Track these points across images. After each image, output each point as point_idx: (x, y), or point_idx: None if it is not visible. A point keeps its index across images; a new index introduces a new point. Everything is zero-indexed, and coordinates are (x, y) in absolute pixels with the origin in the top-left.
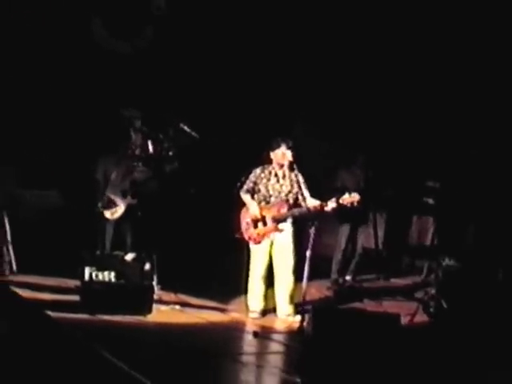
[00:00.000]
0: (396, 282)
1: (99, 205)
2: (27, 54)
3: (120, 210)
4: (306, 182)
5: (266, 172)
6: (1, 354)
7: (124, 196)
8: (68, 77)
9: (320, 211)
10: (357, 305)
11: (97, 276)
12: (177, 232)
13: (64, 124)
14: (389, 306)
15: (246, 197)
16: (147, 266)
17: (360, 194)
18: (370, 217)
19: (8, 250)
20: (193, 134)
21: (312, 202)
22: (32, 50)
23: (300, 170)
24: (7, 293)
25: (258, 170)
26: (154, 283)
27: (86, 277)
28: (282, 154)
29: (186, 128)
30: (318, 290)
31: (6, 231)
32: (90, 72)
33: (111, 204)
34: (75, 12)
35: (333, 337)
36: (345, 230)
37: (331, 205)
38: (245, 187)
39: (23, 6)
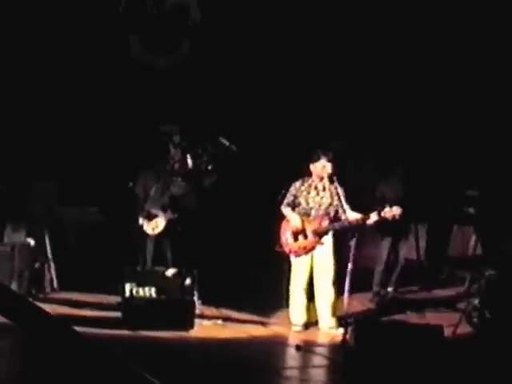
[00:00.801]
0: (438, 292)
1: (140, 220)
2: (68, 72)
3: (160, 225)
4: (346, 194)
5: (306, 185)
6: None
7: (164, 211)
8: (107, 93)
9: (361, 224)
10: (399, 316)
11: (137, 292)
12: (217, 246)
13: (104, 140)
14: (432, 317)
15: (286, 210)
16: (188, 281)
17: (400, 206)
18: (411, 228)
19: (49, 267)
20: (231, 147)
21: (352, 215)
22: (72, 67)
23: (340, 183)
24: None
25: (297, 183)
26: (195, 298)
27: (127, 293)
28: (322, 167)
29: (224, 141)
30: (360, 302)
31: (46, 249)
32: (128, 88)
33: (151, 219)
34: (113, 30)
35: (375, 349)
36: (386, 242)
37: (373, 218)
38: (285, 201)
39: (62, 24)
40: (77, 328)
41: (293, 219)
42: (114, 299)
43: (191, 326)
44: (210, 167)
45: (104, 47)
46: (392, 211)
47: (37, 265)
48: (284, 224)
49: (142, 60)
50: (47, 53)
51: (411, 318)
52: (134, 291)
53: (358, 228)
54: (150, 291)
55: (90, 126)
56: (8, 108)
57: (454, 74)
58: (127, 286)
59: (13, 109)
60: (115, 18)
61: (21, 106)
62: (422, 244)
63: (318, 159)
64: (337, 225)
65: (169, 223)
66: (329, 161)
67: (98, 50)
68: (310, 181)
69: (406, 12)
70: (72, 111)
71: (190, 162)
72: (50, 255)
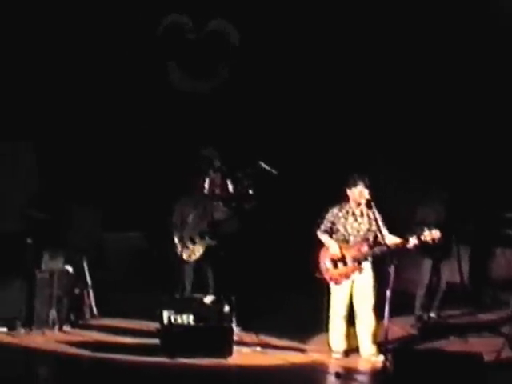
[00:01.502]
0: (482, 317)
1: (177, 247)
2: (109, 98)
3: (197, 252)
4: (387, 217)
5: (344, 211)
6: None
7: (202, 237)
8: (147, 119)
9: (401, 248)
10: (441, 342)
11: (176, 319)
12: (256, 272)
13: (146, 165)
14: (475, 342)
15: (324, 237)
16: (226, 308)
17: (441, 229)
18: (454, 251)
19: (88, 293)
20: (271, 171)
21: (392, 239)
22: (112, 95)
23: (378, 207)
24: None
25: (335, 210)
26: (234, 325)
27: (165, 320)
28: (359, 193)
29: (264, 166)
30: (401, 328)
31: (85, 275)
32: (168, 113)
33: (188, 246)
34: (152, 57)
35: (414, 377)
36: (428, 265)
37: (412, 241)
38: (322, 227)
39: (104, 53)
40: (116, 355)
41: (331, 246)
42: (154, 325)
43: (230, 353)
44: (250, 191)
45: (143, 73)
46: (432, 234)
47: (76, 291)
48: (323, 251)
49: (181, 85)
50: (90, 80)
51: (453, 343)
52: (172, 318)
53: (398, 252)
54: (188, 318)
55: (132, 151)
56: (51, 136)
57: (500, 104)
58: (165, 314)
59: (56, 137)
60: (154, 45)
61: (62, 135)
62: (465, 267)
63: (355, 185)
64: (377, 250)
65: (208, 249)
66: (366, 186)
67: (137, 76)
68: (347, 207)
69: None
70: (114, 137)
71: (230, 186)
72: (89, 281)
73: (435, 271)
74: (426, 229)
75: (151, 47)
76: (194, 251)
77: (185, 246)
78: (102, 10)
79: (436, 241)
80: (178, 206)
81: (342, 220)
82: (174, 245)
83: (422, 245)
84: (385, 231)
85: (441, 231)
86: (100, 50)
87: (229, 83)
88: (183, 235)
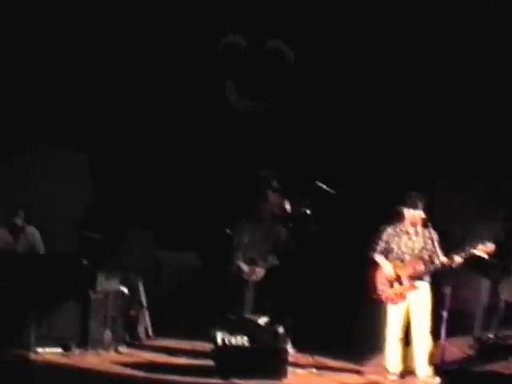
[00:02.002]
0: None
1: (241, 266)
2: (167, 116)
3: (259, 273)
4: (445, 235)
5: (398, 230)
6: None
7: (266, 258)
8: (205, 139)
9: (457, 266)
10: (501, 364)
11: (229, 340)
12: (312, 293)
13: (203, 186)
14: None
15: (379, 258)
16: (281, 329)
17: (500, 248)
18: None
19: (143, 314)
20: (329, 190)
21: (444, 260)
22: (170, 113)
23: (434, 227)
24: None
25: (389, 229)
26: (289, 346)
27: (219, 341)
28: (419, 215)
29: (322, 185)
30: (459, 349)
31: (140, 296)
32: (226, 133)
33: (251, 265)
34: (209, 77)
35: None
36: (486, 285)
37: (465, 256)
38: (378, 248)
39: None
40: (170, 376)
41: (386, 268)
42: (209, 346)
43: (284, 374)
44: (308, 211)
45: (202, 93)
46: (485, 247)
47: (131, 312)
48: (379, 272)
49: (238, 105)
50: (148, 99)
51: None
52: (226, 340)
53: (455, 272)
54: (242, 340)
55: (190, 170)
56: (105, 152)
57: None
58: (219, 335)
59: (110, 154)
60: (212, 65)
61: (116, 152)
62: None
63: (414, 206)
64: (432, 267)
65: (270, 270)
66: (423, 207)
67: (196, 95)
68: (401, 226)
69: None
70: (171, 156)
71: (288, 206)
72: (144, 302)
73: (493, 291)
74: (479, 242)
75: (209, 66)
76: (256, 272)
77: (248, 266)
78: (167, 27)
79: (490, 254)
80: (240, 225)
81: (396, 239)
82: (235, 265)
83: (478, 259)
84: (439, 252)
85: (499, 250)
86: (157, 70)
87: (285, 102)
88: (246, 255)
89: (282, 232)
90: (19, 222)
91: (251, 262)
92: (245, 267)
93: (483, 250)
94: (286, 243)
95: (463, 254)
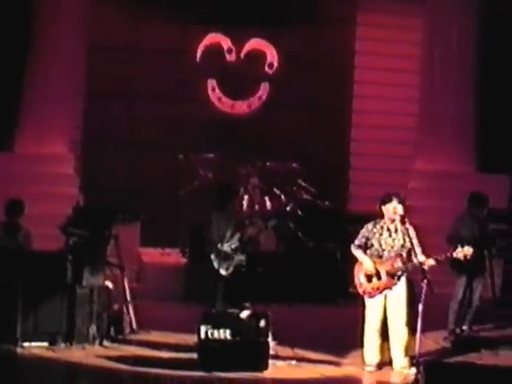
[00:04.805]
0: None
1: (214, 262)
2: None
3: (231, 266)
4: (418, 235)
5: (378, 227)
6: None
7: (235, 252)
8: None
9: (433, 266)
10: (473, 355)
11: (212, 334)
12: (292, 285)
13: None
14: (506, 355)
15: (357, 252)
16: (262, 323)
17: (475, 245)
18: (487, 266)
19: (128, 309)
20: (309, 188)
21: (424, 258)
22: None
23: (412, 223)
24: None
25: (369, 225)
26: (270, 339)
27: (203, 335)
28: (394, 208)
29: (302, 183)
30: (434, 341)
31: (125, 289)
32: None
33: (224, 260)
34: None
35: None
36: (461, 280)
37: (444, 259)
38: (356, 242)
39: None
40: (154, 369)
41: (365, 262)
42: (192, 340)
43: (265, 367)
44: (288, 208)
45: None
46: (464, 251)
47: (116, 307)
48: (357, 266)
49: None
50: None
51: (485, 356)
52: (209, 333)
53: (431, 268)
54: (224, 333)
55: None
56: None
57: None
58: (203, 328)
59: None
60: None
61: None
62: (498, 281)
63: (389, 201)
64: (410, 266)
65: (239, 265)
66: (400, 202)
67: None
68: (381, 222)
69: None
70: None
71: (268, 203)
72: (128, 297)
73: (469, 286)
74: (459, 246)
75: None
76: (229, 266)
77: (221, 260)
78: None
79: (468, 257)
80: (213, 220)
81: (377, 235)
82: (211, 260)
83: (455, 260)
84: (418, 249)
85: (475, 246)
86: None
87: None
88: (220, 249)
89: (259, 227)
90: (15, 219)
91: (226, 257)
92: (216, 260)
93: (462, 253)
94: (264, 238)
95: (442, 257)
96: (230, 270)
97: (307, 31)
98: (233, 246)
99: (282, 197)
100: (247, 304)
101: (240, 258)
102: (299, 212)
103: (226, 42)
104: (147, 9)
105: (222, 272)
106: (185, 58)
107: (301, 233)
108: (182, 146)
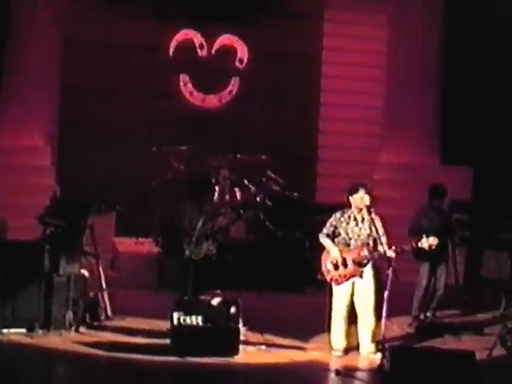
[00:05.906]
0: (476, 317)
1: (186, 250)
2: None
3: (201, 252)
4: (383, 225)
5: (346, 216)
6: None
7: (207, 240)
8: None
9: (398, 255)
10: (437, 340)
11: (185, 320)
12: (261, 273)
13: (156, 172)
14: (468, 340)
15: (325, 240)
16: (233, 309)
17: (437, 235)
18: (450, 254)
19: (103, 296)
20: (278, 179)
21: (387, 248)
22: None
23: (377, 213)
24: None
25: (337, 214)
26: (240, 325)
27: (175, 321)
28: (360, 198)
29: (271, 174)
30: (399, 327)
31: (100, 278)
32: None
33: (195, 247)
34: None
35: (410, 375)
36: (425, 268)
37: (410, 249)
38: (324, 231)
39: None
40: (129, 355)
41: (332, 251)
42: (166, 326)
43: (236, 352)
44: (258, 199)
45: None
46: (429, 241)
47: (91, 294)
48: (325, 254)
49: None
50: None
51: (448, 341)
52: (181, 319)
53: (396, 257)
54: (196, 319)
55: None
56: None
57: None
58: (175, 315)
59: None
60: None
61: None
62: (460, 269)
63: (356, 191)
64: (376, 254)
65: (209, 252)
66: (366, 192)
67: None
68: (349, 212)
69: None
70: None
71: (238, 194)
72: (103, 285)
73: (432, 274)
74: (424, 236)
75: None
76: (200, 252)
77: (192, 248)
78: None
79: (433, 247)
80: (185, 210)
81: (344, 224)
82: (183, 249)
83: (419, 249)
84: (383, 239)
85: (437, 236)
86: None
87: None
88: (190, 238)
89: (229, 218)
90: None
91: (195, 244)
92: (188, 248)
93: (427, 243)
94: (234, 227)
95: (408, 246)
96: (201, 255)
97: (276, 28)
98: (203, 234)
99: (252, 188)
100: (218, 291)
101: (209, 244)
102: (268, 202)
103: (197, 38)
104: (121, 5)
105: (193, 257)
106: (158, 53)
107: (270, 222)
108: (155, 139)
